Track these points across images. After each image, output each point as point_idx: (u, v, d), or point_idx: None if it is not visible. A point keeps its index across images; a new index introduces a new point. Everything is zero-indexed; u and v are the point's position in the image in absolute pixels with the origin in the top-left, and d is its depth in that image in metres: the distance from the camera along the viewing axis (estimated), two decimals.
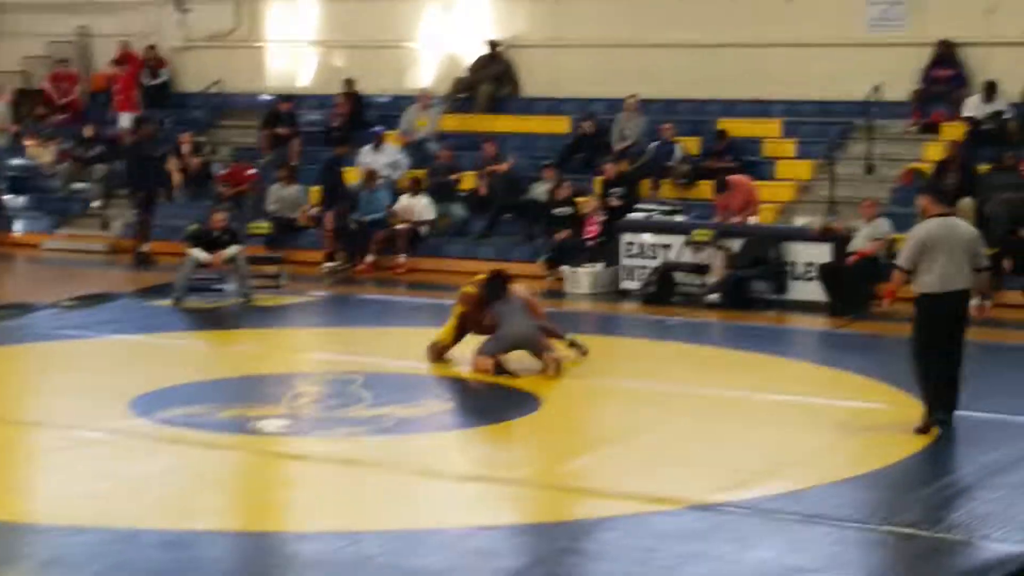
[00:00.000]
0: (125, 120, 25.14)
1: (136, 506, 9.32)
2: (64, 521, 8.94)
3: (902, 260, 11.67)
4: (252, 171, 23.24)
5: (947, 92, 21.63)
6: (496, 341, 13.73)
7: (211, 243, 18.07)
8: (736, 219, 19.36)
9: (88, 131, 25.20)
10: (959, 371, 11.73)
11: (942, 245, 11.48)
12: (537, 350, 13.70)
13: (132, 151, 22.75)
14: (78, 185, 25.11)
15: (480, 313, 14.03)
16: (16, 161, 26.19)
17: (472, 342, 14.00)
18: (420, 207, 21.61)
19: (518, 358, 13.68)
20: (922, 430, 11.45)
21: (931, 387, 11.57)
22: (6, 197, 25.08)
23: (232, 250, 18.06)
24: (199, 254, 17.94)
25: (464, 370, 13.76)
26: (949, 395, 11.70)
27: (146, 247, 22.02)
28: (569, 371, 13.60)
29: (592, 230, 20.16)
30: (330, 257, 21.51)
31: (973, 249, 11.68)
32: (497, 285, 14.11)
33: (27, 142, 26.13)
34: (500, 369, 13.55)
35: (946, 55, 21.70)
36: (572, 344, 14.30)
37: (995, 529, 8.93)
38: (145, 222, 22.22)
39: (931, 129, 21.45)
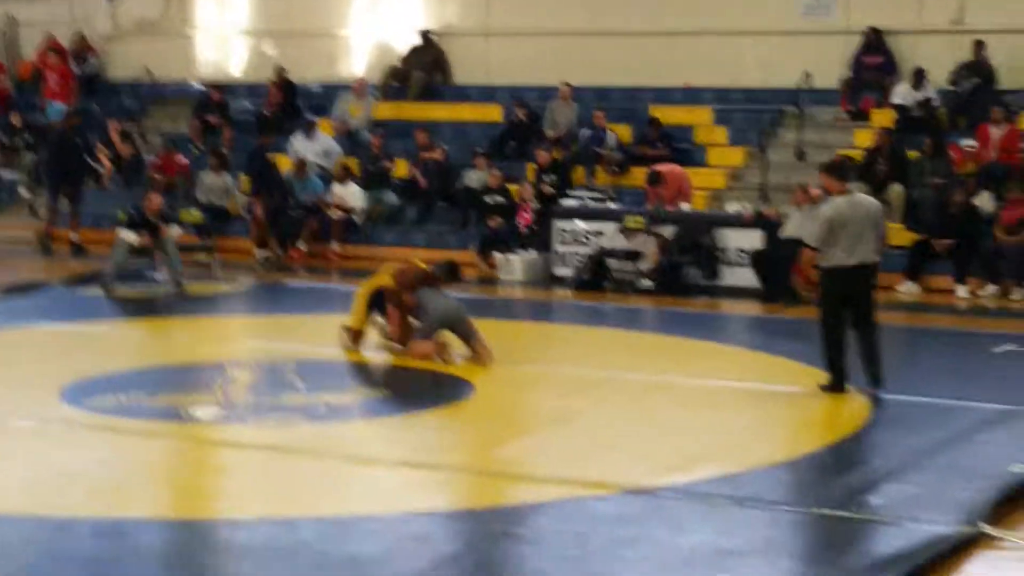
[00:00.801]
0: (58, 109, 24.90)
1: (69, 495, 9.24)
2: None
3: (811, 239, 12.13)
4: (182, 159, 23.07)
5: (876, 80, 21.82)
6: (426, 322, 13.65)
7: (145, 229, 17.91)
8: (669, 207, 19.43)
9: (15, 119, 24.93)
10: (877, 344, 12.19)
11: (850, 222, 11.96)
12: (466, 332, 13.68)
13: (57, 140, 22.51)
14: (5, 174, 24.86)
15: (407, 293, 13.85)
16: None
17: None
18: (350, 195, 21.55)
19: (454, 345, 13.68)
20: (829, 388, 12.15)
21: (840, 357, 12.10)
22: None
23: (174, 230, 17.97)
24: (128, 235, 17.75)
25: (380, 357, 13.75)
26: (873, 369, 12.17)
27: (75, 236, 21.82)
28: (502, 358, 13.60)
29: (525, 217, 20.18)
30: (261, 245, 21.40)
31: (877, 223, 12.18)
32: (453, 272, 14.12)
33: None
34: (441, 352, 13.50)
35: (875, 43, 21.89)
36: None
37: (925, 511, 8.99)
38: (72, 210, 22.00)
39: (861, 116, 21.65)
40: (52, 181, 22.22)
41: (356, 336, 14.08)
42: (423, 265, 14.14)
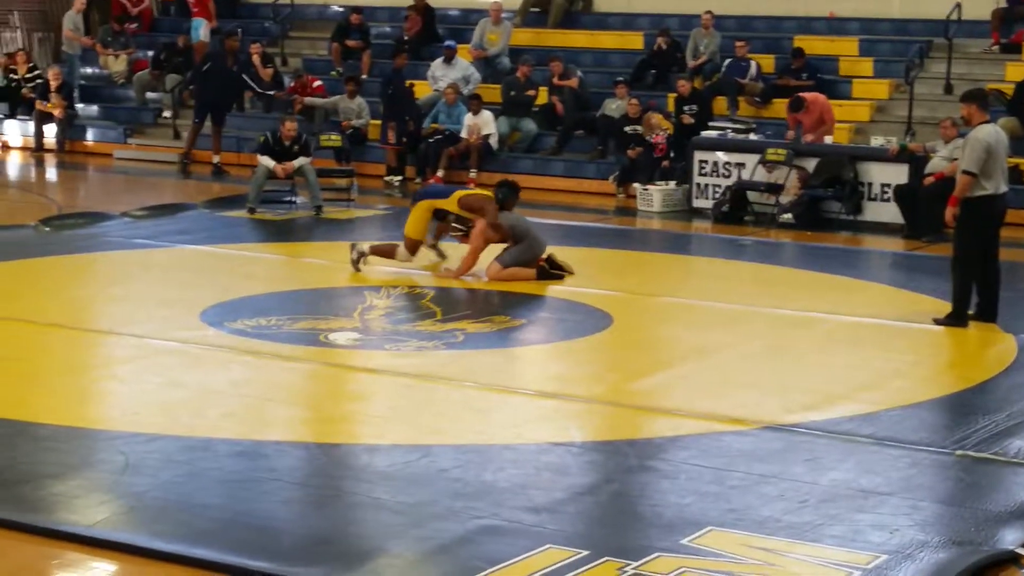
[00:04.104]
0: (202, 30, 25.08)
1: (208, 416, 9.35)
2: (137, 429, 8.96)
3: (971, 165, 12.01)
4: (318, 83, 23.10)
5: None
6: (519, 253, 14.03)
7: (282, 153, 18.08)
8: (809, 137, 19.12)
9: (181, 40, 25.11)
10: (1000, 279, 12.37)
11: (998, 150, 12.07)
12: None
13: (210, 61, 22.60)
14: (151, 95, 25.15)
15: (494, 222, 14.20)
16: (88, 70, 26.26)
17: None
18: (484, 123, 21.43)
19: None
20: (950, 322, 12.22)
21: (970, 289, 12.23)
22: (79, 106, 25.16)
23: (300, 161, 18.07)
24: (267, 161, 17.96)
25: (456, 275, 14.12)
26: (994, 304, 12.32)
27: (217, 158, 22.01)
28: (640, 290, 13.48)
29: (659, 147, 19.92)
30: (393, 171, 21.41)
31: (1007, 153, 12.45)
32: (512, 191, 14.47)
33: (99, 51, 26.15)
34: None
35: None
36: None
37: None
38: (216, 133, 22.16)
39: (1013, 49, 21.11)
40: (201, 102, 22.31)
41: (414, 246, 14.37)
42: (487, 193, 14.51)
